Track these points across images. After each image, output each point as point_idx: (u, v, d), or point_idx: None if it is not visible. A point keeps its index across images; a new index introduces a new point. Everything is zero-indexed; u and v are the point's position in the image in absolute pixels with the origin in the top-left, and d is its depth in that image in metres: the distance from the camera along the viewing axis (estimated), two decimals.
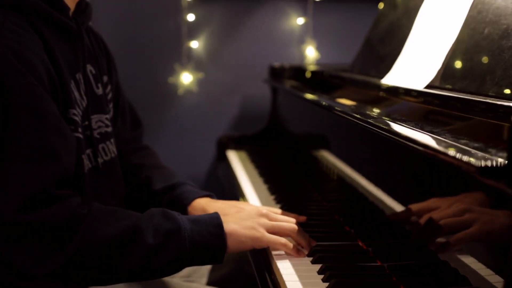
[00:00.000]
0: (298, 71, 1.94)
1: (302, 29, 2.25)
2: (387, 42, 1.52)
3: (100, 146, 1.15)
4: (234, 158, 1.82)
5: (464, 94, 0.99)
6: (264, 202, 1.35)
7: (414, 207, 1.01)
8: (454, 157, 0.65)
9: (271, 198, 1.39)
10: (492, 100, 0.86)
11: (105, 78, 1.24)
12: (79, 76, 1.10)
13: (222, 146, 1.95)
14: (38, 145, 0.92)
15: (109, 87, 1.25)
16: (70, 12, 1.10)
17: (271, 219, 1.05)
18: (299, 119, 1.78)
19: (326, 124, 1.53)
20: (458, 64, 1.12)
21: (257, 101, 2.24)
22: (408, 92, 1.15)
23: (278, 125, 1.94)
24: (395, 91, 1.22)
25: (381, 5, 1.71)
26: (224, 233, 0.98)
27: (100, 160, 1.13)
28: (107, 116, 1.19)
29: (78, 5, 1.13)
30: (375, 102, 1.33)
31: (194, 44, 2.20)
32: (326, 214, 1.26)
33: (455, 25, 1.17)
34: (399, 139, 0.87)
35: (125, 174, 1.27)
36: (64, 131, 0.98)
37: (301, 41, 2.26)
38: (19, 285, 0.90)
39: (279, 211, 1.13)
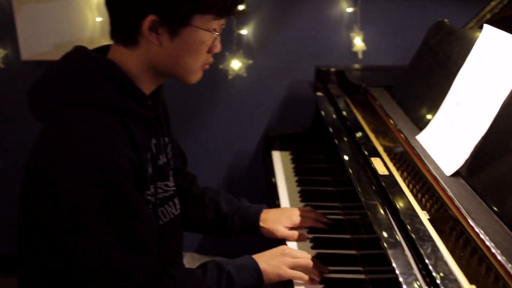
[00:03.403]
0: (342, 76, 2.02)
1: (350, 17, 2.27)
2: (427, 85, 1.58)
3: (160, 210, 1.32)
4: (278, 163, 1.98)
5: (482, 212, 1.11)
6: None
7: None
8: None
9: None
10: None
11: (166, 140, 1.37)
12: (149, 154, 1.24)
13: (269, 144, 2.09)
14: (140, 244, 1.12)
15: (169, 147, 1.39)
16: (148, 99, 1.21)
17: (292, 257, 1.34)
18: None
19: None
20: (483, 163, 1.21)
21: (304, 84, 2.33)
22: (436, 179, 1.27)
23: (322, 126, 2.05)
24: (425, 166, 1.34)
25: (428, 31, 1.73)
26: (262, 274, 1.29)
27: (160, 222, 1.32)
28: (167, 182, 1.34)
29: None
30: (403, 163, 1.45)
31: (244, 32, 2.27)
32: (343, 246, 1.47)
33: (490, 112, 1.25)
34: None
35: (193, 203, 1.56)
36: (152, 226, 1.16)
37: (349, 29, 2.28)
38: None
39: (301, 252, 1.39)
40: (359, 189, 1.30)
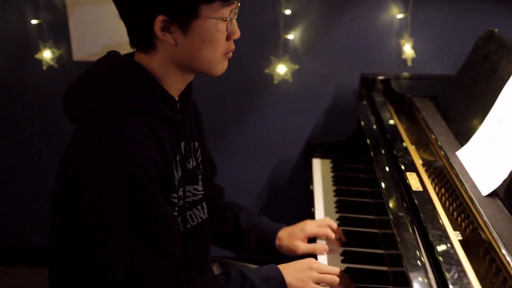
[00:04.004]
0: (387, 84, 1.96)
1: (400, 24, 2.21)
2: (472, 98, 1.51)
3: (188, 213, 1.32)
4: (317, 171, 1.95)
5: None
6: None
7: None
8: None
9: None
10: None
11: (196, 144, 1.38)
12: (178, 157, 1.25)
13: (310, 151, 2.06)
14: (162, 248, 1.13)
15: (199, 152, 1.40)
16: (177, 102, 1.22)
17: (319, 272, 1.30)
18: None
19: None
20: None
21: (350, 91, 2.29)
22: (471, 199, 1.21)
23: (364, 135, 2.00)
24: (461, 184, 1.28)
25: (477, 41, 1.66)
26: (286, 287, 1.25)
27: (188, 225, 1.32)
28: (196, 186, 1.35)
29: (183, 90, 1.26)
30: (441, 179, 1.39)
31: (290, 37, 2.25)
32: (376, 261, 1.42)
33: None
34: None
35: (214, 215, 1.51)
36: (175, 230, 1.17)
37: (399, 35, 2.22)
38: None
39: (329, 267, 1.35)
40: (389, 205, 1.26)
